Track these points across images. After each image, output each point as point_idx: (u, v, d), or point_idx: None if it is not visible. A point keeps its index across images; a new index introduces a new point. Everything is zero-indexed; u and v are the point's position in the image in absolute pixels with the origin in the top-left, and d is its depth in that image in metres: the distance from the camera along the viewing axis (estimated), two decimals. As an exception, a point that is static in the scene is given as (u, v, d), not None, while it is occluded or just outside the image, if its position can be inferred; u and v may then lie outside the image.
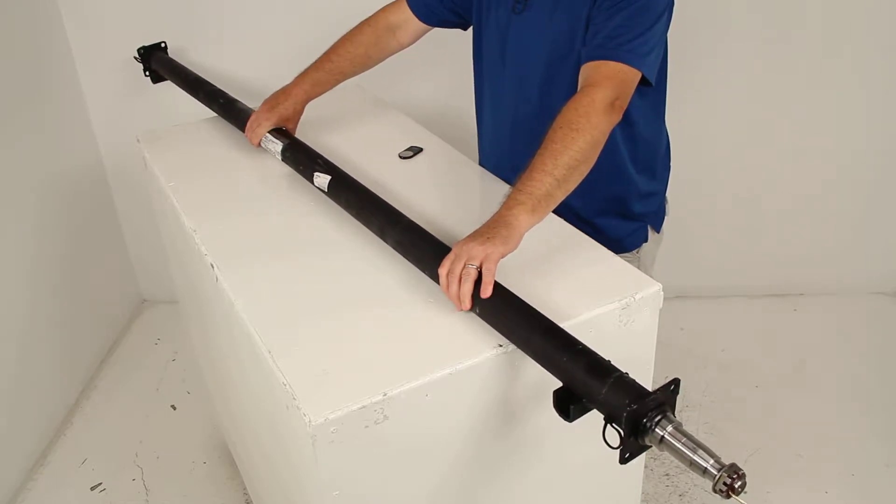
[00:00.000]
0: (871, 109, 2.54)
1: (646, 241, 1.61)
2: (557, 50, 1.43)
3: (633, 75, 1.33)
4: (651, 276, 1.24)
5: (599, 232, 1.50)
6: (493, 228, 1.15)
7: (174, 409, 2.47)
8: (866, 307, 2.78)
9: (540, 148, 1.24)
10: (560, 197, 1.22)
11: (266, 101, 1.71)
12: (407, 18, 1.68)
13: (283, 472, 1.33)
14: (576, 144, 1.22)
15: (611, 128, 1.29)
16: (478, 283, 1.11)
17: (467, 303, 1.11)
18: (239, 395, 1.56)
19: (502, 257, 1.14)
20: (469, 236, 1.16)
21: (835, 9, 2.38)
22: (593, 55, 1.33)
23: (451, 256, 1.14)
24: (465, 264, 1.11)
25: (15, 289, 2.23)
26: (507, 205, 1.19)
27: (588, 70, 1.33)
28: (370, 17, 1.71)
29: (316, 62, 1.72)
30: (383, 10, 1.71)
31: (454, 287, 1.11)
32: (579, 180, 1.24)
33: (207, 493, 2.14)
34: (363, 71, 1.74)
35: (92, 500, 2.15)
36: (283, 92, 1.71)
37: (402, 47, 1.73)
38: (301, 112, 1.71)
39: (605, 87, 1.29)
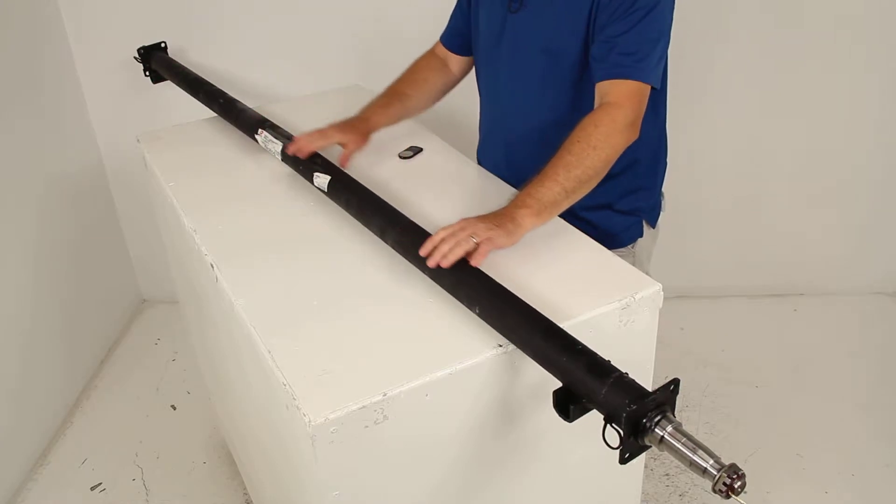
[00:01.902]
0: (873, 110, 2.54)
1: (641, 235, 1.61)
2: (554, 48, 1.44)
3: (647, 91, 1.37)
4: (647, 272, 1.25)
5: (594, 227, 1.51)
6: (501, 219, 1.22)
7: (174, 409, 2.47)
8: (866, 307, 2.78)
9: (555, 156, 1.29)
10: (565, 206, 1.29)
11: (339, 123, 1.60)
12: (445, 53, 1.72)
13: (283, 472, 1.33)
14: (590, 161, 1.28)
15: (626, 146, 1.34)
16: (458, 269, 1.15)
17: (447, 263, 1.15)
18: (239, 395, 1.56)
19: (500, 248, 1.21)
20: (477, 217, 1.22)
21: (838, 9, 2.38)
22: (612, 73, 1.35)
23: (457, 224, 1.19)
24: (467, 236, 1.16)
25: (16, 288, 2.23)
26: (516, 204, 1.25)
27: (608, 87, 1.36)
28: (425, 56, 1.73)
29: (390, 95, 1.67)
30: (431, 50, 1.74)
31: (445, 247, 1.15)
32: (586, 192, 1.30)
33: (207, 493, 2.14)
34: (430, 107, 1.74)
35: (92, 500, 2.15)
36: (362, 119, 1.62)
37: (458, 80, 1.74)
38: (366, 143, 1.61)
39: (626, 107, 1.33)
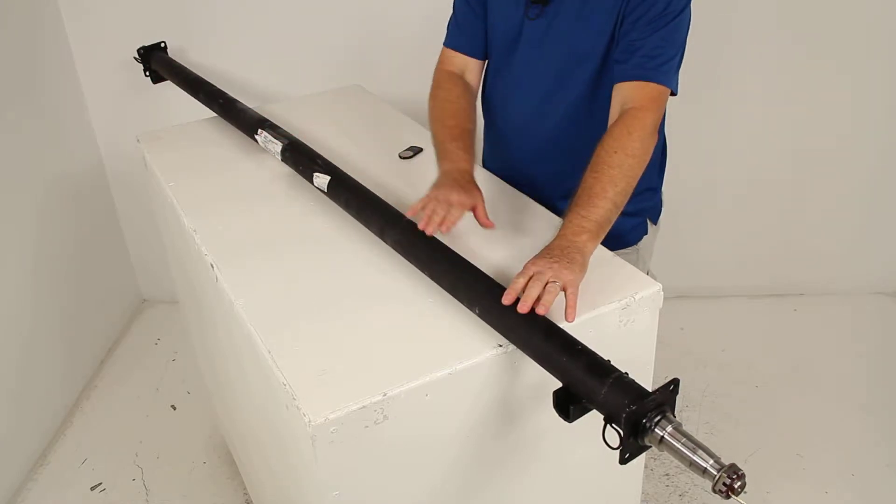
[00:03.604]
0: (872, 110, 2.54)
1: (646, 234, 1.62)
2: (574, 58, 1.43)
3: (667, 95, 1.37)
4: (649, 268, 1.25)
5: None
6: (569, 254, 1.14)
7: (174, 409, 2.47)
8: (866, 307, 2.78)
9: (594, 170, 1.25)
10: (614, 220, 1.24)
11: (448, 184, 1.35)
12: (465, 62, 1.62)
13: (283, 472, 1.33)
14: (632, 171, 1.26)
15: (653, 148, 1.33)
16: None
17: (544, 310, 1.07)
18: (239, 395, 1.56)
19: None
20: (548, 257, 1.13)
21: (836, 8, 2.38)
22: (634, 75, 1.35)
23: (535, 267, 1.11)
24: (549, 280, 1.09)
25: (16, 289, 2.23)
26: (573, 231, 1.18)
27: (630, 90, 1.34)
28: (452, 82, 1.59)
29: (462, 137, 1.48)
30: (447, 71, 1.62)
31: (534, 291, 1.07)
32: (627, 200, 1.27)
33: (207, 493, 2.14)
34: None
35: (92, 500, 2.15)
36: (462, 172, 1.39)
37: (477, 89, 1.65)
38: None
39: (651, 110, 1.32)
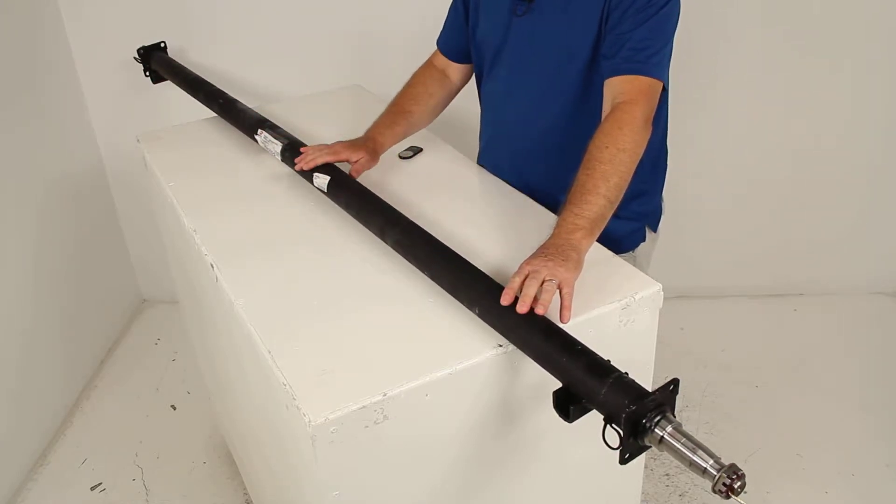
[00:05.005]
0: (872, 109, 2.54)
1: (643, 240, 1.61)
2: (563, 53, 1.43)
3: (659, 88, 1.36)
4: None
5: None
6: (564, 252, 1.14)
7: (174, 409, 2.47)
8: (866, 307, 2.78)
9: (586, 167, 1.24)
10: (609, 216, 1.23)
11: (346, 141, 1.56)
12: (446, 61, 1.69)
13: (283, 472, 1.33)
14: (624, 165, 1.25)
15: (646, 144, 1.31)
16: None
17: (544, 309, 1.06)
18: (239, 395, 1.56)
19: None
20: (543, 256, 1.13)
21: (835, 8, 2.38)
22: (623, 68, 1.34)
23: (530, 267, 1.11)
24: (545, 278, 1.09)
25: (16, 289, 2.23)
26: (568, 229, 1.18)
27: (620, 84, 1.34)
28: (424, 69, 1.71)
29: (394, 113, 1.64)
30: (429, 61, 1.72)
31: (531, 290, 1.07)
32: (621, 197, 1.26)
33: (207, 493, 2.14)
34: (433, 120, 1.71)
35: (92, 500, 2.15)
36: (369, 139, 1.57)
37: (458, 89, 1.72)
38: (376, 162, 1.57)
39: (642, 103, 1.31)
